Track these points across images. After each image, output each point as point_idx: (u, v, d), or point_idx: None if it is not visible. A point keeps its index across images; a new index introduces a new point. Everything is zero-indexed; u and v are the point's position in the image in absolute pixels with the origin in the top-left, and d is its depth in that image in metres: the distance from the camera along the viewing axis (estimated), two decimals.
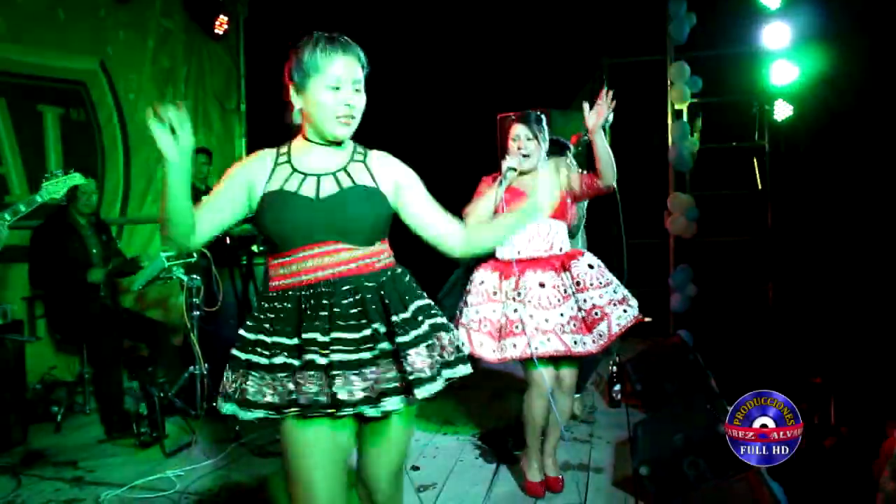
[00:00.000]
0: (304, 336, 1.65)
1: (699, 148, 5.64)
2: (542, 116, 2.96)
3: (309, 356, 1.63)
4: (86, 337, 4.06)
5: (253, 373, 1.68)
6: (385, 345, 1.68)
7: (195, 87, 6.09)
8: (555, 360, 2.91)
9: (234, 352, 1.73)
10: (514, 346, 2.77)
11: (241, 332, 1.75)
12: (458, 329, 2.84)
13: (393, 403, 1.65)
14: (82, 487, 3.15)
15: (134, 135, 5.38)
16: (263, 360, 1.68)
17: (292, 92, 1.76)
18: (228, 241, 4.66)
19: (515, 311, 2.81)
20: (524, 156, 2.88)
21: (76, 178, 3.44)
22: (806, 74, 5.24)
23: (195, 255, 4.02)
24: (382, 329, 1.69)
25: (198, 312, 3.98)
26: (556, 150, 3.88)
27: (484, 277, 2.94)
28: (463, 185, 3.03)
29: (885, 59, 4.49)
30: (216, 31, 6.06)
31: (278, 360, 1.66)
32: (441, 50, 6.55)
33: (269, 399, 1.65)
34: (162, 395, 3.72)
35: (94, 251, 4.20)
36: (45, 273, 4.04)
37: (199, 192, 5.31)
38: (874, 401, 3.23)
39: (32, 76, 4.68)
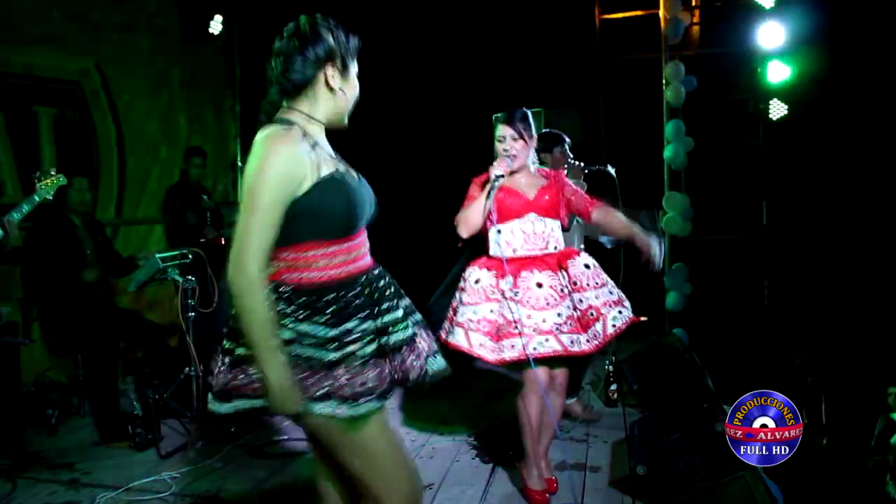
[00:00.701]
0: (386, 318, 1.71)
1: (694, 146, 5.64)
2: (528, 113, 2.93)
3: (398, 336, 1.71)
4: (80, 338, 4.04)
5: (356, 363, 1.63)
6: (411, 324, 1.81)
7: (190, 88, 6.07)
8: (549, 360, 2.89)
9: (329, 355, 1.61)
10: (513, 346, 2.75)
11: (323, 330, 1.61)
12: (454, 328, 2.84)
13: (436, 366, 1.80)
14: (78, 490, 3.14)
15: (129, 135, 5.35)
16: (360, 350, 1.63)
17: (333, 72, 1.68)
18: (224, 242, 4.64)
19: (512, 311, 2.79)
20: (511, 156, 2.87)
21: (61, 180, 3.53)
22: (798, 74, 5.26)
23: (190, 255, 4.01)
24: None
25: (193, 314, 3.97)
26: (551, 142, 3.88)
27: (480, 276, 2.90)
28: (457, 186, 3.02)
29: (877, 59, 4.51)
30: (211, 31, 6.03)
31: (371, 347, 1.65)
32: (435, 49, 6.54)
33: (372, 384, 1.62)
34: (157, 396, 3.71)
35: (89, 252, 4.18)
36: (40, 274, 4.02)
37: (195, 191, 5.30)
38: (867, 398, 3.23)
39: (27, 76, 4.65)
